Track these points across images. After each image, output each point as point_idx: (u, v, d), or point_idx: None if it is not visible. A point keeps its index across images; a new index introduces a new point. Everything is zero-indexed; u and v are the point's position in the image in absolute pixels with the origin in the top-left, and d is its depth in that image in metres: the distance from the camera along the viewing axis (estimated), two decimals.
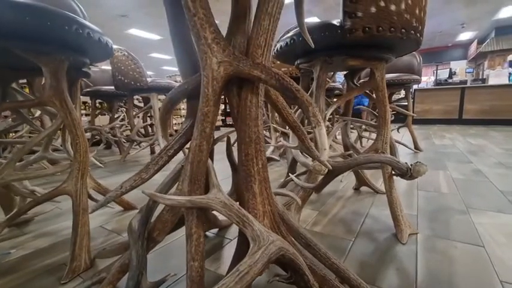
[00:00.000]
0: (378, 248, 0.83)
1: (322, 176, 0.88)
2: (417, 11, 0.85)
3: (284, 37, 1.01)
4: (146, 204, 0.58)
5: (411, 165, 0.80)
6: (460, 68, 6.36)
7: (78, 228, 0.79)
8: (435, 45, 9.31)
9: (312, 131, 0.46)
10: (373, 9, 0.78)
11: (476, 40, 8.40)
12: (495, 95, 4.90)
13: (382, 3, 0.78)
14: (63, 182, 0.83)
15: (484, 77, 5.61)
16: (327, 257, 0.58)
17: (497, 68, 6.20)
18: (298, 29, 0.89)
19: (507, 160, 1.95)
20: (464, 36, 8.42)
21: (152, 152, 2.90)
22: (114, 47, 1.34)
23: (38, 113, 1.70)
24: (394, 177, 0.95)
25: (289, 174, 1.13)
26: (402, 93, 5.29)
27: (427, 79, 7.46)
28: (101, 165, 1.53)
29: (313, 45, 0.69)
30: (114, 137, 2.79)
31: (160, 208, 0.59)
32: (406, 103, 2.73)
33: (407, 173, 0.81)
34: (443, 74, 6.02)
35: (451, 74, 5.96)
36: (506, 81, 5.00)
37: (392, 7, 0.79)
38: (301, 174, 1.15)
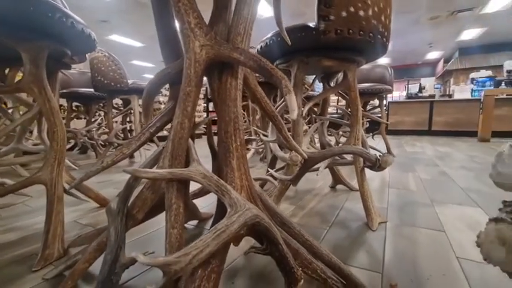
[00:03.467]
0: (350, 234, 0.88)
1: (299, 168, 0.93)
2: (383, 18, 0.94)
3: (264, 38, 1.07)
4: (126, 183, 0.59)
5: (379, 156, 0.87)
6: (429, 84, 6.85)
7: (52, 217, 0.77)
8: (407, 63, 9.98)
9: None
10: (344, 14, 0.86)
11: (442, 59, 9.12)
12: (459, 109, 5.31)
13: (352, 9, 0.87)
14: (37, 170, 0.81)
15: (451, 93, 6.08)
16: (301, 234, 0.62)
17: (461, 84, 6.74)
18: (277, 30, 0.96)
19: (469, 164, 2.12)
20: (432, 55, 9.11)
21: (131, 155, 2.83)
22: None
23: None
24: (368, 176, 1.02)
25: (269, 169, 1.17)
26: (377, 103, 5.56)
27: (399, 93, 7.94)
28: (75, 167, 1.49)
29: (289, 42, 0.74)
30: (90, 140, 2.70)
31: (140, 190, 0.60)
32: (380, 114, 2.89)
33: (376, 163, 0.87)
34: (414, 88, 6.44)
35: (421, 89, 6.39)
36: (469, 96, 5.45)
37: (361, 12, 0.87)
38: (279, 170, 1.19)
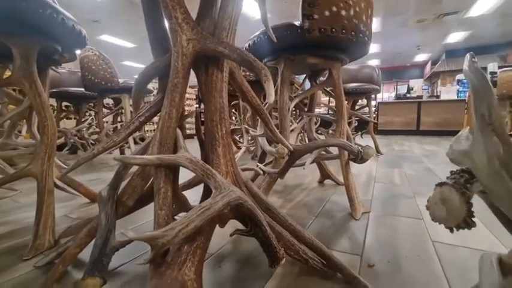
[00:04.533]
0: (334, 223, 0.92)
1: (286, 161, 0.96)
2: (364, 18, 0.99)
3: (252, 36, 1.10)
4: (115, 172, 0.61)
5: (362, 148, 0.92)
6: (417, 85, 7.03)
7: (43, 209, 0.78)
8: (396, 65, 10.19)
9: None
10: (327, 13, 0.91)
11: (430, 61, 9.35)
12: (446, 109, 5.46)
13: (335, 9, 0.91)
14: (28, 164, 0.82)
15: (438, 94, 6.24)
16: (285, 219, 0.65)
17: (447, 85, 6.93)
18: (264, 29, 1.00)
19: None
20: (420, 57, 9.34)
21: (121, 153, 2.82)
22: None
23: None
24: (355, 172, 1.06)
25: (258, 164, 1.20)
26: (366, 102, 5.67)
27: (388, 94, 8.10)
28: (65, 166, 1.48)
29: (275, 39, 0.78)
30: (80, 139, 2.69)
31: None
32: (369, 115, 2.96)
33: (359, 155, 0.92)
34: (403, 89, 6.59)
35: (409, 90, 6.55)
36: (455, 97, 5.62)
37: (343, 12, 0.92)
38: (267, 164, 1.23)
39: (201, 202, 0.61)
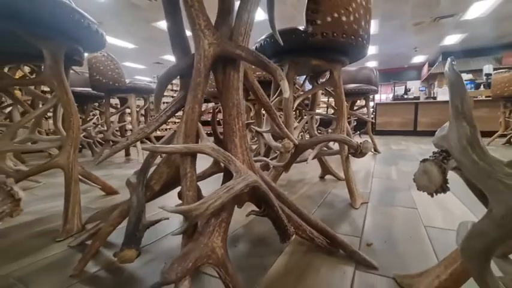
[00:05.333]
0: (335, 212, 1.00)
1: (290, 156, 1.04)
2: (363, 23, 1.07)
3: (259, 40, 1.19)
4: (144, 159, 0.69)
5: (360, 143, 1.00)
6: (415, 87, 7.15)
7: (70, 197, 0.86)
8: (394, 66, 10.31)
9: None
10: (329, 19, 0.99)
11: (427, 63, 9.48)
12: (442, 110, 5.57)
13: (336, 15, 0.99)
14: (55, 156, 0.89)
15: (435, 95, 6.36)
16: (293, 204, 0.73)
17: (444, 86, 7.05)
18: (271, 32, 1.08)
19: None
20: (418, 59, 9.47)
21: (127, 153, 2.89)
22: None
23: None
24: (354, 169, 1.14)
25: (264, 158, 1.28)
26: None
27: (386, 95, 8.20)
28: None
29: (282, 43, 0.86)
30: (87, 138, 2.75)
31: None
32: (367, 115, 3.05)
33: (358, 149, 1.00)
34: (400, 90, 6.70)
35: (406, 91, 6.66)
36: None
37: (344, 18, 1.00)
38: (273, 159, 1.30)
39: (222, 181, 0.69)
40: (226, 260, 0.49)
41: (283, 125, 0.87)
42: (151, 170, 0.69)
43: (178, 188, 0.68)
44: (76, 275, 0.60)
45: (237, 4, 0.68)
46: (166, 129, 5.40)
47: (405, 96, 6.49)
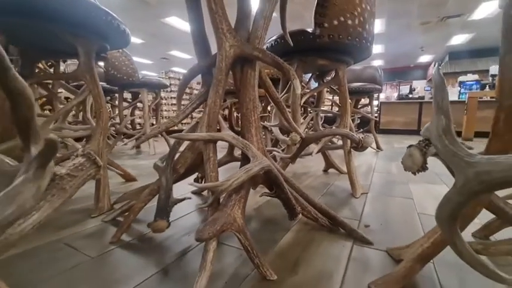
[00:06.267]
0: (337, 200, 1.09)
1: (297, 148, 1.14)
2: (367, 26, 1.15)
3: (269, 40, 1.27)
4: (171, 146, 0.79)
5: (362, 137, 1.09)
6: (420, 86, 7.16)
7: (101, 180, 0.96)
8: (399, 65, 10.29)
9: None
10: (335, 22, 1.07)
11: (433, 62, 9.44)
12: None
13: (342, 19, 1.08)
14: (86, 143, 1.00)
15: None
16: (300, 188, 0.83)
17: (449, 86, 7.05)
18: (281, 33, 1.17)
19: None
20: (424, 58, 9.43)
21: (137, 145, 3.00)
22: None
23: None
24: (357, 164, 1.23)
25: (273, 148, 1.37)
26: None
27: (391, 94, 8.21)
28: None
29: (292, 44, 0.95)
30: None
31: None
32: (371, 113, 3.12)
33: (359, 143, 1.09)
34: (405, 89, 6.72)
35: (411, 90, 6.68)
36: (456, 98, 5.75)
37: (349, 21, 1.08)
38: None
39: (241, 164, 0.79)
40: (245, 228, 0.58)
41: (291, 119, 0.96)
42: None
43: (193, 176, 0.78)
44: (114, 242, 0.70)
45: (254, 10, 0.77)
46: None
47: (410, 96, 6.52)
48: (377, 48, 8.01)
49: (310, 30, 1.12)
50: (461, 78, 6.66)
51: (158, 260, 0.63)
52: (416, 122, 5.91)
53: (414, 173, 0.46)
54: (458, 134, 5.11)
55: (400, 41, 7.56)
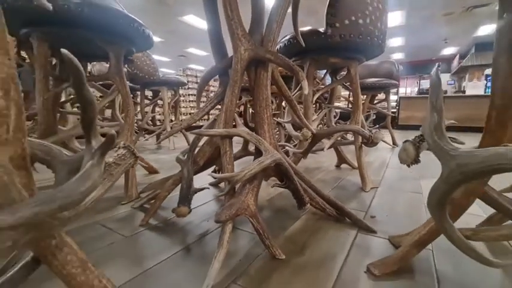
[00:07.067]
0: (347, 193, 1.14)
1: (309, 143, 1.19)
2: (379, 24, 1.18)
3: (283, 39, 1.33)
4: (192, 141, 0.87)
5: (372, 133, 1.13)
6: (444, 80, 6.89)
7: (129, 172, 1.07)
8: (421, 58, 9.89)
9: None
10: (346, 22, 1.11)
11: (458, 55, 9.00)
12: (470, 105, 5.36)
13: (353, 18, 1.11)
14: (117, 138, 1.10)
15: (464, 89, 6.11)
16: (309, 180, 0.89)
17: (474, 80, 6.73)
18: (293, 33, 1.22)
19: None
20: (448, 51, 9.01)
21: (158, 138, 3.15)
22: None
23: None
24: (369, 159, 1.27)
25: (286, 143, 1.43)
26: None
27: (411, 89, 7.96)
28: None
29: (304, 44, 1.00)
30: None
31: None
32: (387, 109, 3.08)
33: (369, 139, 1.13)
34: (426, 84, 6.49)
35: None
36: (482, 93, 5.49)
37: (360, 21, 1.12)
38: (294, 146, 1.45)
39: (254, 157, 0.86)
40: (257, 213, 0.66)
41: (302, 116, 1.02)
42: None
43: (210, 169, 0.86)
44: (143, 225, 0.80)
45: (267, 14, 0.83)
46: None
47: None
48: (397, 41, 7.76)
49: (322, 30, 1.16)
50: (488, 71, 6.33)
51: (181, 240, 0.72)
52: None
53: (408, 165, 0.51)
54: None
55: (422, 33, 7.27)
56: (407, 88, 8.69)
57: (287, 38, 1.29)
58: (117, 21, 0.95)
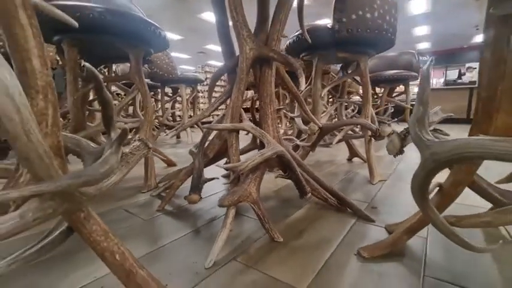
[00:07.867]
0: (354, 185, 1.17)
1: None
2: (388, 17, 1.18)
3: (292, 36, 1.36)
4: (202, 135, 0.95)
5: (379, 127, 1.14)
6: (475, 70, 6.47)
7: (148, 163, 1.17)
8: (449, 47, 9.32)
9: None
10: (353, 16, 1.12)
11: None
12: None
13: (360, 12, 1.12)
14: (134, 134, 1.21)
15: None
16: (311, 172, 0.93)
17: None
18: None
19: None
20: (480, 38, 8.42)
21: (177, 136, 3.30)
22: None
23: None
24: (383, 153, 1.28)
25: (294, 138, 1.48)
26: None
27: (436, 80, 7.55)
28: None
29: (310, 41, 1.03)
30: None
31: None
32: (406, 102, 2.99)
33: (377, 133, 1.14)
34: (453, 74, 6.15)
35: (460, 75, 6.09)
36: None
37: (368, 15, 1.13)
38: (302, 140, 1.49)
39: (258, 150, 0.92)
40: (259, 200, 0.72)
41: (308, 110, 1.06)
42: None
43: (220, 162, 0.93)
44: (160, 210, 0.89)
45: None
46: None
47: (458, 81, 5.95)
48: (422, 30, 7.38)
49: (329, 25, 1.18)
50: None
51: (192, 223, 0.81)
52: (465, 110, 5.41)
53: (394, 156, 0.54)
54: None
55: (450, 20, 6.85)
56: (433, 79, 8.24)
57: (296, 34, 1.33)
58: (136, 26, 1.04)
